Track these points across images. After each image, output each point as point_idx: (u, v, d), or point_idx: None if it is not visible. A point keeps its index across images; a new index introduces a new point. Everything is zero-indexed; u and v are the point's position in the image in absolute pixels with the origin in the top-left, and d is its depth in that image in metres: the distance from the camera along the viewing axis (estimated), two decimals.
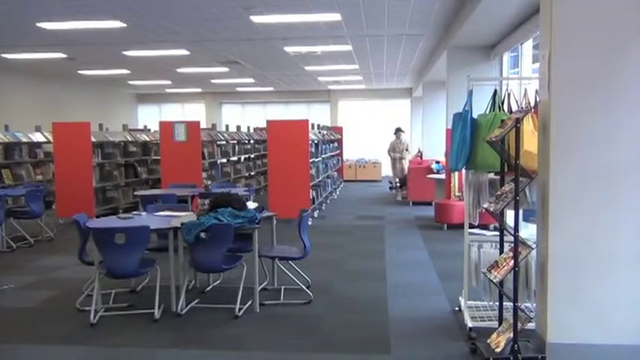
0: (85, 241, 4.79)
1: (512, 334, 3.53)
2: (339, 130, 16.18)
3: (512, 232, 3.62)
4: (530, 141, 3.88)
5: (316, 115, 18.39)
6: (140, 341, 4.14)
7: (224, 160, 11.68)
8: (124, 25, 8.05)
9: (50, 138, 11.10)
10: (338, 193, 13.84)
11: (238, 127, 13.67)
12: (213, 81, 15.80)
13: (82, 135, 9.41)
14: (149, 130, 13.10)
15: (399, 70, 14.20)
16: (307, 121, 9.36)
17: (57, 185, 9.51)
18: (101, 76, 14.29)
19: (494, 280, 3.65)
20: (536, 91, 4.08)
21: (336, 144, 14.73)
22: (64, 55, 10.88)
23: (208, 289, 5.36)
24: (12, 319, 4.74)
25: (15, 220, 7.80)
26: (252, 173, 13.27)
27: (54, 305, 5.09)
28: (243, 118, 18.85)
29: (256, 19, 7.80)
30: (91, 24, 7.99)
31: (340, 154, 15.67)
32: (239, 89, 18.56)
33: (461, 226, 4.58)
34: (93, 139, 9.58)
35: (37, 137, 11.42)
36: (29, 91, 13.95)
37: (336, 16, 7.79)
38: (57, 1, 6.86)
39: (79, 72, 13.53)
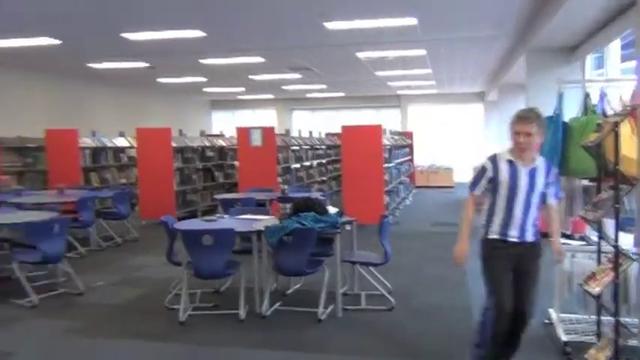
0: (173, 242, 4.98)
1: (612, 351, 3.35)
2: (409, 135, 16.03)
3: (612, 242, 3.45)
4: (628, 145, 3.68)
5: (385, 120, 18.30)
6: (227, 341, 4.25)
7: (297, 165, 11.83)
8: (204, 34, 8.32)
9: (133, 143, 11.65)
10: (411, 198, 13.69)
11: (311, 133, 13.81)
12: (284, 87, 16.06)
13: (164, 140, 9.81)
14: (224, 135, 13.48)
15: (472, 74, 13.91)
16: (380, 126, 9.33)
17: (140, 188, 9.95)
18: (178, 83, 14.84)
19: (593, 293, 3.48)
20: (633, 94, 3.87)
21: (407, 149, 14.59)
22: (146, 64, 11.38)
23: (289, 291, 5.44)
24: (105, 314, 4.99)
25: (104, 221, 8.22)
26: (325, 178, 13.36)
27: (143, 303, 5.31)
28: (312, 123, 19.04)
29: (329, 25, 7.87)
30: (172, 34, 8.30)
31: (411, 160, 15.50)
32: (309, 95, 18.77)
33: (547, 235, 4.40)
34: (173, 144, 9.96)
35: (121, 142, 12.01)
36: (113, 99, 14.71)
37: (412, 21, 7.73)
38: (143, 13, 7.20)
39: (158, 80, 14.12)
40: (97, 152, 11.19)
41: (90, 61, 11.00)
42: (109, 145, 11.62)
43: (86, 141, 10.85)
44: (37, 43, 8.68)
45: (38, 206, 6.88)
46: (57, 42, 8.69)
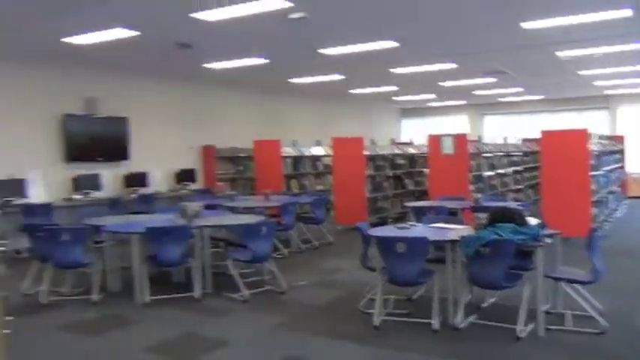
0: (367, 247, 5.14)
1: None
2: (620, 139, 14.37)
3: None
4: None
5: (590, 123, 16.65)
6: (421, 349, 4.24)
7: (491, 173, 11.38)
8: (397, 44, 8.46)
9: (328, 151, 12.32)
10: (622, 210, 12.25)
11: (505, 139, 13.19)
12: (476, 92, 15.58)
13: (357, 148, 10.19)
14: (413, 143, 13.55)
15: None
16: (586, 130, 8.53)
17: (335, 195, 10.46)
18: (369, 93, 15.30)
19: None
20: None
21: (617, 155, 13.11)
22: (340, 77, 11.95)
23: (484, 305, 5.24)
24: (305, 312, 5.34)
25: (303, 225, 8.81)
26: (521, 187, 12.63)
27: (339, 304, 5.57)
28: (506, 128, 18.15)
29: (527, 25, 7.43)
30: (366, 46, 8.59)
31: (623, 167, 13.88)
32: (502, 99, 17.94)
33: None
34: (365, 153, 10.29)
35: (317, 151, 12.77)
36: (310, 110, 15.74)
37: (625, 12, 6.94)
38: (339, 29, 7.59)
39: (350, 91, 14.73)
40: (297, 161, 12.06)
41: (291, 76, 11.92)
42: (307, 154, 12.43)
43: (287, 150, 11.76)
44: (251, 63, 9.71)
45: (248, 210, 7.65)
46: (266, 61, 9.62)
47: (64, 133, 9.48)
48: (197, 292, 5.75)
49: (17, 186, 8.49)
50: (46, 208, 8.13)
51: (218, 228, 6.88)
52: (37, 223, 6.80)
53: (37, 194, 8.71)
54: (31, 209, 7.97)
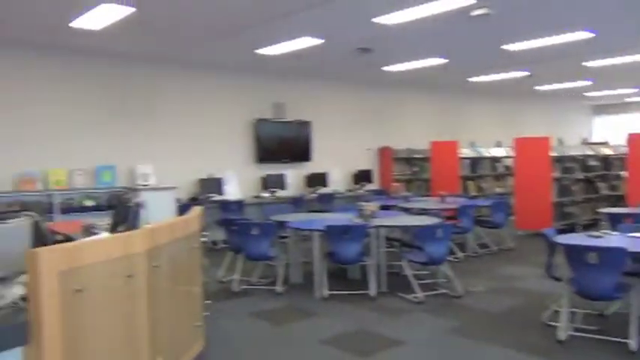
0: (553, 255, 4.79)
1: None
2: None
3: None
4: None
5: None
6: None
7: None
8: (592, 35, 7.74)
9: (509, 152, 11.72)
10: None
11: None
12: None
13: (541, 149, 9.53)
14: (608, 143, 12.25)
15: None
16: None
17: (516, 198, 9.91)
18: (557, 90, 14.20)
19: None
20: None
21: None
22: (525, 73, 11.27)
23: None
24: (481, 319, 5.15)
25: (480, 229, 8.50)
26: None
27: (518, 313, 5.27)
28: None
29: None
30: (555, 39, 8.00)
31: None
32: None
33: None
34: (552, 154, 9.58)
35: (497, 152, 12.22)
36: (489, 110, 15.09)
37: None
38: (525, 23, 7.17)
39: (535, 88, 13.80)
40: (475, 162, 11.67)
41: (470, 75, 11.57)
42: (486, 155, 11.96)
43: (465, 151, 11.45)
44: (429, 63, 9.67)
45: (423, 211, 7.61)
46: (445, 61, 9.49)
47: (255, 137, 10.36)
48: (372, 291, 5.88)
49: (216, 184, 9.51)
50: (238, 205, 8.97)
51: (393, 228, 6.96)
52: (232, 217, 7.57)
53: (231, 192, 9.66)
54: (226, 205, 8.86)
